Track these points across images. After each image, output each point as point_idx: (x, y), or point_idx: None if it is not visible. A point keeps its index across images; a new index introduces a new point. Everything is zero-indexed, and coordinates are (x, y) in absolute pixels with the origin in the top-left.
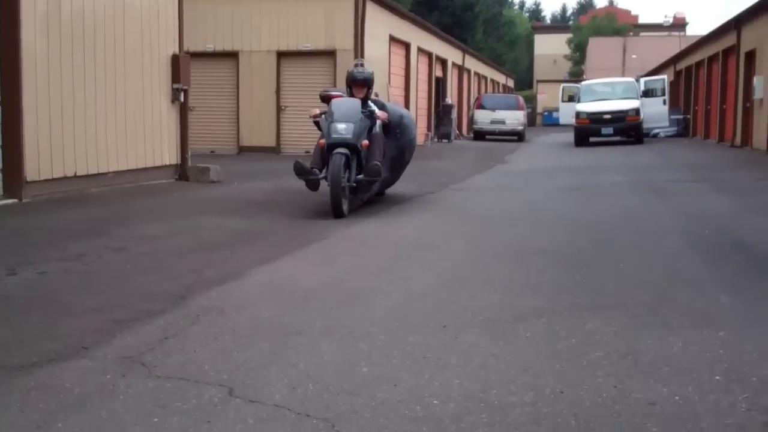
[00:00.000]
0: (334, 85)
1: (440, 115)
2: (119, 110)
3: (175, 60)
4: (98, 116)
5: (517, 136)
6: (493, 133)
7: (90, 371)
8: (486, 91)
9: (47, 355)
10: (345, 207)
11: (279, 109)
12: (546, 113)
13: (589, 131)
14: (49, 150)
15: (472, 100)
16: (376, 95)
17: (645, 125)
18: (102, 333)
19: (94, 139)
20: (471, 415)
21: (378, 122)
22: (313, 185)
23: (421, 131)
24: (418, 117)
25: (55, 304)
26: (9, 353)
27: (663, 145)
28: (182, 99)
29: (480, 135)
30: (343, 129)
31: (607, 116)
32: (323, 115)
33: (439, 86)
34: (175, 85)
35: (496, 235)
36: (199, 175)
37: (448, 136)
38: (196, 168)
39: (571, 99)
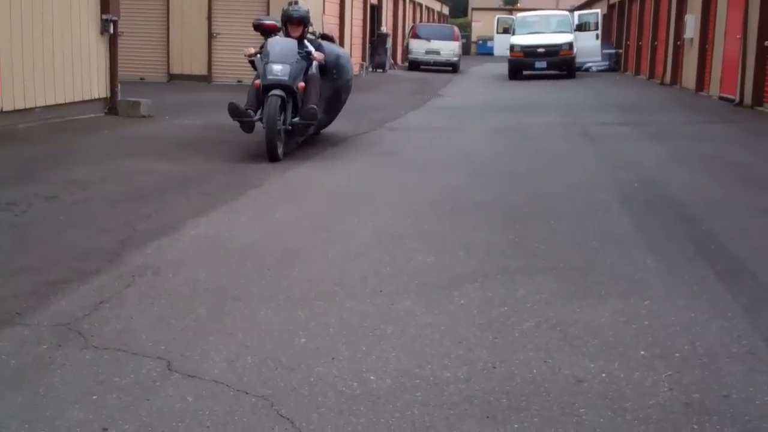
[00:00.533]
0: (267, 13)
1: (375, 44)
2: (46, 43)
3: None
4: (24, 49)
5: (452, 67)
6: (427, 63)
7: (25, 340)
8: (421, 20)
9: None
10: (280, 150)
11: (211, 37)
12: (481, 42)
13: (522, 65)
14: None
15: (408, 29)
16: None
17: (578, 59)
18: (36, 296)
19: (21, 73)
20: (406, 393)
21: (314, 63)
22: (247, 127)
23: (356, 61)
24: (353, 46)
25: None
26: None
27: (595, 81)
28: (112, 30)
29: (415, 65)
30: (279, 70)
31: (541, 50)
32: (258, 55)
33: (374, 14)
34: (105, 16)
35: (431, 186)
36: (129, 110)
37: (383, 66)
38: (126, 102)
39: (506, 31)
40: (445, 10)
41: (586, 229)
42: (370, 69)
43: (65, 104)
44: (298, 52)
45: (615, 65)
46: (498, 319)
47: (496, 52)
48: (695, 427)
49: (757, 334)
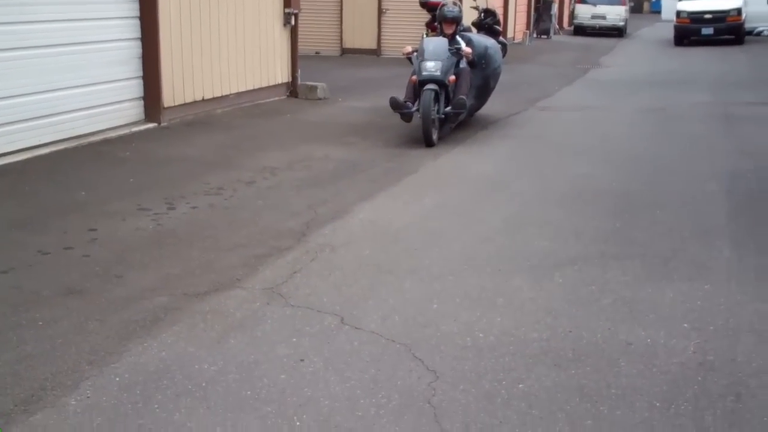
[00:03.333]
0: None
1: (540, 11)
2: (239, 37)
3: None
4: (221, 45)
5: (618, 32)
6: (593, 28)
7: (244, 299)
8: None
9: (213, 286)
10: (435, 137)
11: (380, 12)
12: (654, 0)
13: (689, 31)
14: (181, 78)
15: None
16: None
17: (747, 24)
18: (248, 267)
19: (218, 65)
20: (502, 347)
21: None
22: (407, 117)
23: (520, 28)
24: (518, 14)
25: (209, 240)
26: (187, 284)
27: (761, 48)
28: (293, 22)
29: (581, 30)
30: (432, 67)
31: (708, 16)
32: (415, 53)
33: None
34: (287, 10)
35: (564, 174)
36: (308, 93)
37: (547, 32)
38: (305, 86)
39: None
40: None
41: (684, 220)
42: (535, 35)
43: (254, 90)
44: (449, 49)
45: None
46: (584, 296)
47: (664, 16)
48: (700, 378)
49: None
